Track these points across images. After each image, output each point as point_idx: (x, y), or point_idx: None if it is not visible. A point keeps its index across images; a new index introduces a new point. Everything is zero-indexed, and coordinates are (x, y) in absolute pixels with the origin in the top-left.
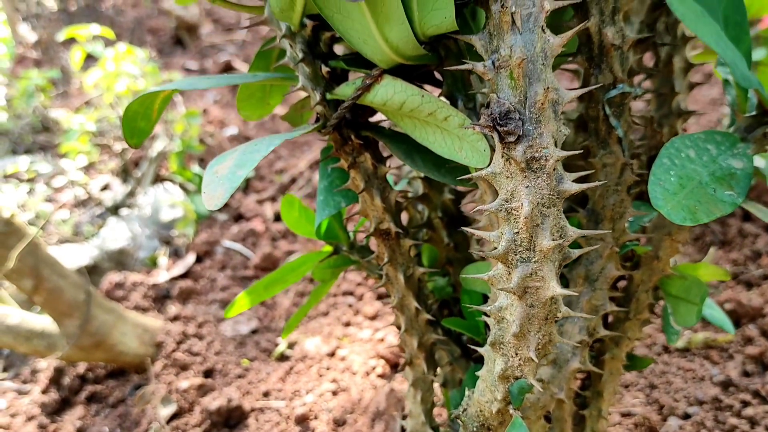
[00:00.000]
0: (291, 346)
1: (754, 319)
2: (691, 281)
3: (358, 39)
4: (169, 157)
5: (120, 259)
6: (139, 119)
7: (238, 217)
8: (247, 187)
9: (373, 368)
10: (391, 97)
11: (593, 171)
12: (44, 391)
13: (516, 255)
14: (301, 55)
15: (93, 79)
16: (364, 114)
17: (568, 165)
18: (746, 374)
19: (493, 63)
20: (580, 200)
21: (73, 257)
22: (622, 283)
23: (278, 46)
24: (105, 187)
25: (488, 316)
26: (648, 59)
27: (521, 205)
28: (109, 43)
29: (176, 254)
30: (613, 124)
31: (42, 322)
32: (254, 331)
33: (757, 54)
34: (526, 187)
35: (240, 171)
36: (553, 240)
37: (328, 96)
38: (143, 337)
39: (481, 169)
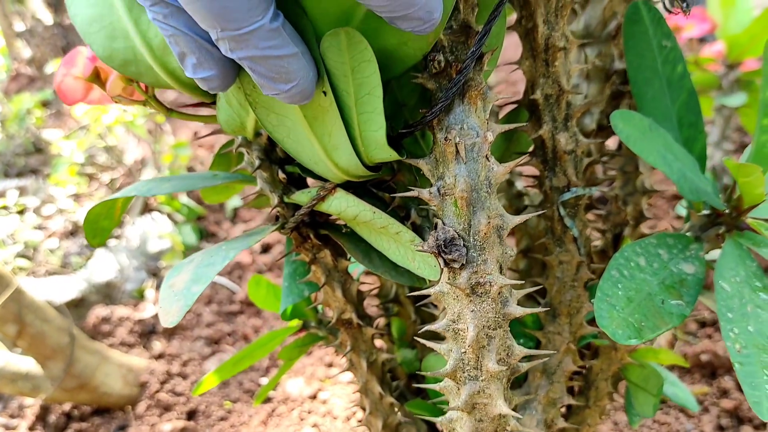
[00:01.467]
0: (274, 386)
1: (730, 371)
2: (649, 371)
3: (309, 161)
4: None
5: (107, 292)
6: (102, 219)
7: None
8: (234, 216)
9: (354, 413)
10: (344, 209)
11: (542, 286)
12: (31, 428)
13: (464, 373)
14: (258, 162)
15: (82, 110)
16: (323, 214)
17: (528, 274)
18: (721, 428)
19: (438, 190)
20: (541, 292)
21: (61, 291)
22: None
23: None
24: None
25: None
26: (613, 142)
27: (467, 329)
28: None
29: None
30: (568, 224)
31: (27, 364)
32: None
33: (739, 99)
34: (472, 311)
35: (195, 287)
36: (499, 363)
37: (286, 199)
38: (127, 377)
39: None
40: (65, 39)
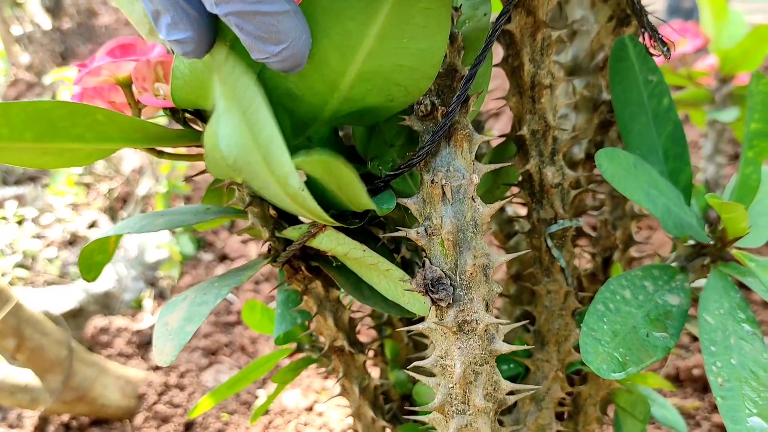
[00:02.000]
0: (269, 405)
1: None
2: (637, 396)
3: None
4: (155, 198)
5: (105, 302)
6: (96, 254)
7: (223, 258)
8: (232, 225)
9: (350, 426)
10: (334, 246)
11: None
12: None
13: (452, 407)
14: (248, 199)
15: None
16: (313, 247)
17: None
18: None
19: (425, 230)
20: (529, 318)
21: (59, 301)
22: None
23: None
24: (92, 225)
25: None
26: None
27: (454, 365)
28: None
29: (161, 296)
30: (556, 255)
31: (25, 376)
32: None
33: (731, 114)
34: (458, 348)
35: (189, 326)
36: (486, 398)
37: (278, 234)
38: (125, 389)
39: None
40: (63, 44)
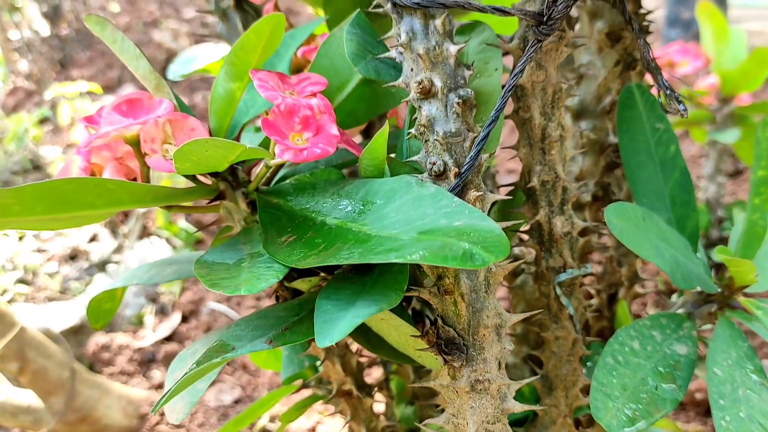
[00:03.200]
0: (273, 419)
1: None
2: None
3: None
4: (156, 212)
5: None
6: (104, 303)
7: None
8: None
9: None
10: None
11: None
12: None
13: None
14: None
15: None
16: None
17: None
18: None
19: (438, 289)
20: (538, 362)
21: (60, 318)
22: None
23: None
24: (93, 239)
25: None
26: None
27: (467, 424)
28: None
29: (162, 312)
30: (564, 303)
31: (28, 398)
32: (237, 401)
33: (732, 135)
34: (471, 408)
35: (201, 383)
36: None
37: (287, 284)
38: (127, 409)
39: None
40: (62, 52)
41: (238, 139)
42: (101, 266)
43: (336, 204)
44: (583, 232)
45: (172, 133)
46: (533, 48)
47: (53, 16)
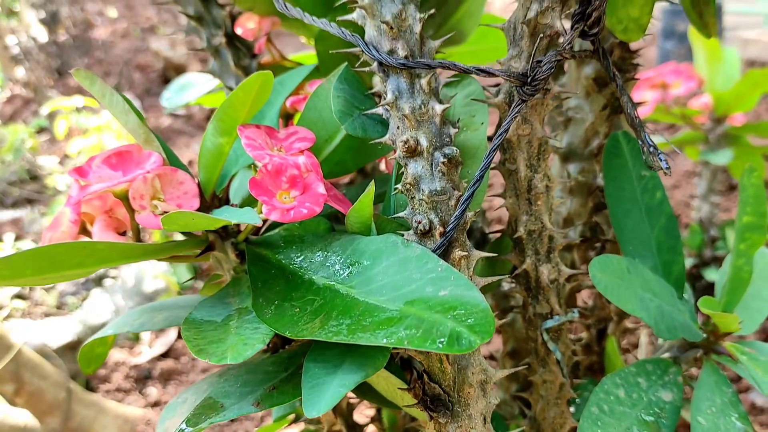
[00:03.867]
0: None
1: None
2: None
3: None
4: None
5: None
6: (97, 347)
7: None
8: None
9: None
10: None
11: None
12: None
13: None
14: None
15: (77, 148)
16: None
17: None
18: None
19: None
20: (527, 403)
21: (57, 334)
22: None
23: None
24: None
25: None
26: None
27: None
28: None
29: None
30: (552, 348)
31: (24, 417)
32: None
33: (725, 156)
34: None
35: None
36: None
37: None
38: (123, 428)
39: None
40: (59, 59)
41: (227, 188)
42: (98, 281)
43: (324, 260)
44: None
45: (161, 188)
46: (517, 108)
47: (51, 22)
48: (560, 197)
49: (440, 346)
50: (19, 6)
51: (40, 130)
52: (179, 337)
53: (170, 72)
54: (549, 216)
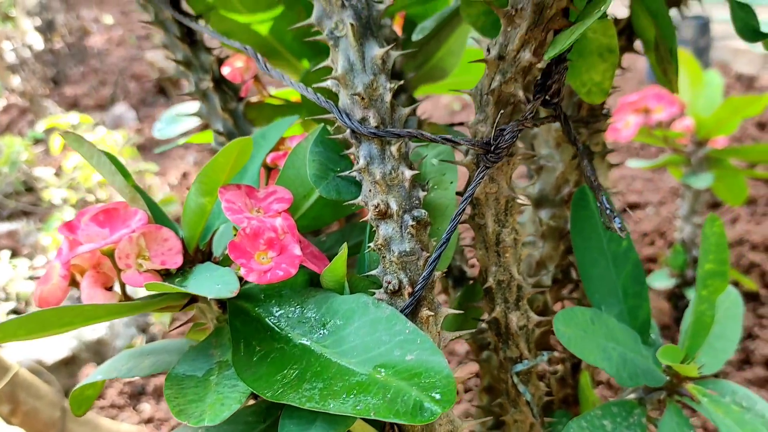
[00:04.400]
0: None
1: None
2: None
3: None
4: None
5: (98, 349)
6: (86, 390)
7: None
8: None
9: None
10: None
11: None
12: None
13: None
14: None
15: (72, 163)
16: None
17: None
18: None
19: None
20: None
21: (51, 350)
22: None
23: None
24: None
25: None
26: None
27: None
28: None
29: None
30: (522, 390)
31: None
32: None
33: (705, 180)
34: None
35: None
36: None
37: None
38: None
39: None
40: (55, 68)
41: (210, 242)
42: None
43: (301, 316)
44: (544, 312)
45: (147, 245)
46: (482, 174)
47: (46, 30)
48: (533, 241)
49: (404, 418)
50: (15, 12)
51: (36, 141)
52: None
53: (165, 82)
54: (517, 267)
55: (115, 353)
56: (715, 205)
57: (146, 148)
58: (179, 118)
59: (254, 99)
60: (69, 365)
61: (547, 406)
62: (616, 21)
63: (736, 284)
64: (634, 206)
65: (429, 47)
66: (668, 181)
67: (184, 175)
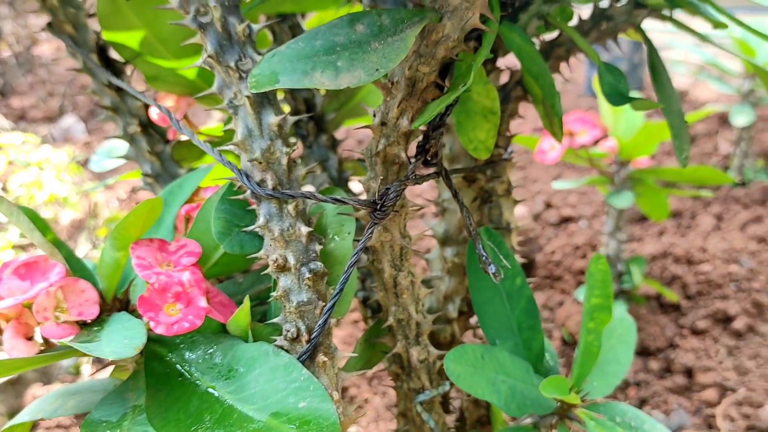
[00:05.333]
0: None
1: None
2: None
3: None
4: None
5: (44, 368)
6: (15, 430)
7: None
8: None
9: None
10: None
11: None
12: None
13: None
14: None
15: (17, 183)
16: None
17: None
18: None
19: None
20: None
21: None
22: None
23: None
24: None
25: None
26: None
27: None
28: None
29: (99, 360)
30: (425, 418)
31: None
32: None
33: (626, 200)
34: None
35: None
36: None
37: None
38: None
39: None
40: (2, 78)
41: (127, 291)
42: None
43: (209, 362)
44: (452, 341)
45: (65, 297)
46: (371, 230)
47: None
48: (439, 276)
49: None
50: None
51: None
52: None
53: None
54: (415, 306)
55: (61, 372)
56: (642, 219)
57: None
58: (115, 150)
59: (184, 138)
60: (15, 385)
61: (461, 428)
62: (513, 72)
63: (658, 296)
64: (568, 219)
65: (350, 88)
66: (601, 195)
67: (133, 190)
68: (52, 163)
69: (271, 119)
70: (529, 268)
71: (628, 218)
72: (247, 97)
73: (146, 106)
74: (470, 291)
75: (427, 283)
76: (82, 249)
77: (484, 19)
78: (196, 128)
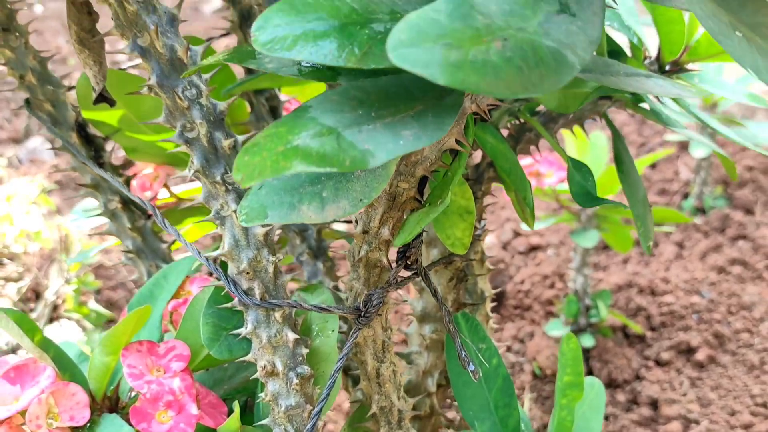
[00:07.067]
0: None
1: None
2: None
3: None
4: (65, 297)
5: None
6: None
7: None
8: None
9: None
10: None
11: None
12: None
13: None
14: None
15: None
16: None
17: None
18: None
19: None
20: None
21: None
22: None
23: None
24: None
25: None
26: None
27: None
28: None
29: None
30: None
31: None
32: None
33: (591, 239)
34: None
35: None
36: None
37: None
38: None
39: None
40: None
41: (117, 390)
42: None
43: None
44: (432, 413)
45: (56, 402)
46: (355, 335)
47: None
48: (418, 351)
49: None
50: None
51: None
52: None
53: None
54: (397, 394)
55: None
56: (607, 247)
57: (64, 185)
58: (94, 210)
59: (164, 203)
60: None
61: None
62: (485, 154)
63: (624, 328)
64: (536, 248)
65: None
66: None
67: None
68: (22, 195)
69: (258, 229)
70: (499, 298)
71: (593, 247)
72: (234, 211)
73: (127, 184)
74: (449, 375)
75: (406, 357)
76: (54, 283)
77: None
78: (175, 195)
